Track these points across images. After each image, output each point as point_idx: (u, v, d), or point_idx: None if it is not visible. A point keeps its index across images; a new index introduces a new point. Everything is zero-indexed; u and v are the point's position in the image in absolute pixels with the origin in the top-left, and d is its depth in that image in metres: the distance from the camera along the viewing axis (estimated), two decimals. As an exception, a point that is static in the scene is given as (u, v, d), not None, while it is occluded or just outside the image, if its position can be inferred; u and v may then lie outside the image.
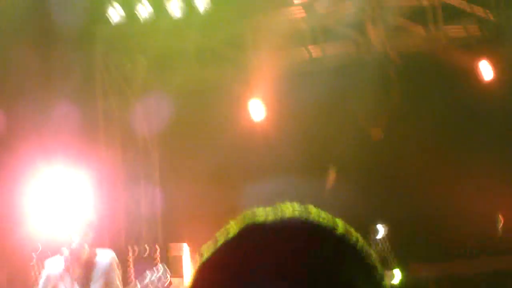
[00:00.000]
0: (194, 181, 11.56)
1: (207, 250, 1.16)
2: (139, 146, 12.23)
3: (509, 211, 11.34)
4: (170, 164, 12.12)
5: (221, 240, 1.15)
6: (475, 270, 11.59)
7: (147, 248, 9.81)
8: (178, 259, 10.32)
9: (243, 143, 11.66)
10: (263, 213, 1.16)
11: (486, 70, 11.60)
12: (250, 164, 11.66)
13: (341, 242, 1.14)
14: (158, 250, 9.43)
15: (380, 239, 10.53)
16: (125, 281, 7.38)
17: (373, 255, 1.16)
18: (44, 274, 7.37)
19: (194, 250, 10.70)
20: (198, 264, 1.17)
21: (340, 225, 1.16)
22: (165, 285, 7.27)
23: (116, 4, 11.58)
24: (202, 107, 11.97)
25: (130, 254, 9.70)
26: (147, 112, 12.09)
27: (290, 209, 1.17)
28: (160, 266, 7.36)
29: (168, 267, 7.40)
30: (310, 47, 11.84)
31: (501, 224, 11.51)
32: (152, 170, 12.15)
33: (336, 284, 1.09)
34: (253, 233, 1.14)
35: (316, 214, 1.17)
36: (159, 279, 7.23)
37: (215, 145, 11.63)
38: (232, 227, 1.16)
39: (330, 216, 1.17)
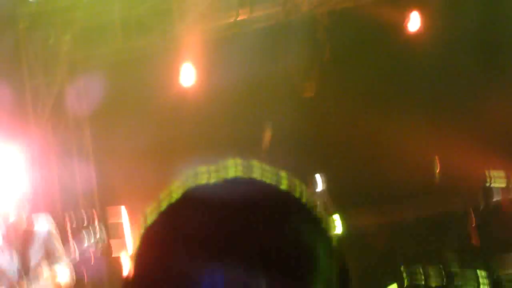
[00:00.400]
0: (128, 154, 11.46)
1: (151, 213, 1.14)
2: (69, 121, 12.05)
3: (443, 154, 11.56)
4: (102, 137, 11.98)
5: (164, 203, 1.13)
6: (414, 213, 11.81)
7: (84, 214, 9.73)
8: (117, 224, 10.30)
9: (175, 112, 11.58)
10: (206, 174, 1.15)
11: (414, 22, 11.74)
12: (185, 131, 11.60)
13: (286, 197, 1.14)
14: (96, 215, 9.33)
15: (320, 190, 10.65)
16: (65, 247, 7.27)
17: (318, 206, 1.16)
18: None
19: (132, 214, 10.66)
20: (142, 228, 1.15)
21: (284, 178, 1.16)
22: (104, 247, 7.21)
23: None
24: (131, 78, 11.83)
25: (68, 221, 9.58)
26: (76, 87, 11.91)
27: (233, 168, 1.17)
28: (98, 229, 7.29)
29: (107, 232, 7.33)
30: (238, 10, 11.78)
31: (438, 167, 11.71)
32: (84, 145, 11.99)
33: (283, 239, 1.09)
34: (197, 196, 1.13)
35: (260, 168, 1.16)
36: (97, 242, 7.15)
37: (146, 116, 11.54)
38: (175, 190, 1.14)
39: (273, 169, 1.17)
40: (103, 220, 9.90)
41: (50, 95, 11.83)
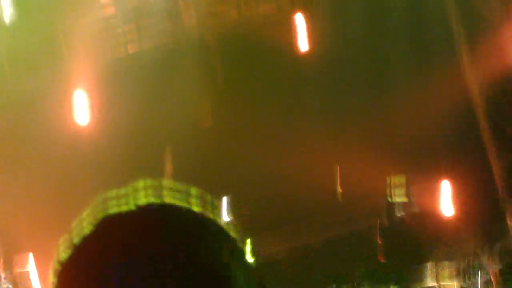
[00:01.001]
0: (29, 198, 11.18)
1: (64, 250, 1.11)
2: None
3: (346, 172, 11.67)
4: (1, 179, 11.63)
5: (76, 238, 1.10)
6: (322, 234, 11.83)
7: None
8: (25, 273, 9.94)
9: (73, 150, 11.38)
10: (116, 202, 1.12)
11: (302, 42, 11.96)
12: (84, 169, 11.39)
13: (200, 220, 1.13)
14: (2, 265, 9.01)
15: (227, 211, 10.62)
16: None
17: (232, 228, 1.15)
18: None
19: (40, 259, 10.34)
20: (56, 267, 1.11)
21: (196, 197, 1.15)
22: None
23: None
24: (24, 120, 11.57)
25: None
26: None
27: (143, 193, 1.14)
28: (7, 284, 7.06)
29: (16, 282, 7.09)
30: (126, 43, 11.72)
31: (339, 186, 11.76)
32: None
33: (200, 263, 1.07)
34: (110, 228, 1.10)
35: (170, 188, 1.15)
36: None
37: (43, 156, 11.29)
38: (87, 222, 1.11)
39: (184, 186, 1.16)
40: (9, 270, 9.59)
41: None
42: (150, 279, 1.04)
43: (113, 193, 1.15)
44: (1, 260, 9.54)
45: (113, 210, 1.12)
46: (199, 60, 11.76)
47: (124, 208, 1.11)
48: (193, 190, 1.16)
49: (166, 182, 1.16)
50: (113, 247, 1.07)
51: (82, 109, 11.48)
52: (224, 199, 10.68)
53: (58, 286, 1.10)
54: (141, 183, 1.15)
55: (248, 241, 10.25)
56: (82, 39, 11.35)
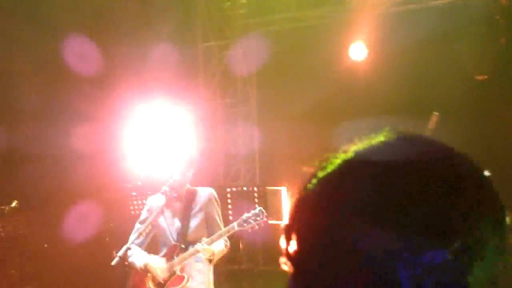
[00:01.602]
0: (291, 121, 11.48)
1: (306, 184, 1.09)
2: (237, 86, 12.22)
3: None
4: (268, 104, 12.06)
5: (320, 175, 1.07)
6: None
7: (245, 188, 9.82)
8: (277, 203, 10.22)
9: (342, 83, 11.47)
10: (362, 147, 1.08)
11: None
12: (349, 105, 11.47)
13: (463, 163, 1.03)
14: (256, 191, 9.40)
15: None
16: (224, 219, 7.40)
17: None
18: (145, 208, 7.48)
19: (292, 191, 10.62)
20: (296, 198, 1.10)
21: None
22: (262, 224, 7.26)
23: None
24: (301, 47, 11.82)
25: (229, 194, 9.73)
26: (246, 52, 12.04)
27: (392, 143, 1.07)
28: (257, 206, 7.35)
29: (266, 210, 7.36)
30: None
31: None
32: (250, 110, 12.13)
33: (455, 212, 0.98)
34: (354, 168, 1.05)
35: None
36: (256, 217, 7.21)
37: (313, 85, 11.48)
38: (332, 162, 1.08)
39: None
40: (263, 197, 9.92)
41: (220, 58, 12.03)
42: (397, 223, 0.97)
43: (359, 143, 1.10)
44: (257, 186, 9.87)
45: (364, 146, 1.07)
46: (485, 14, 11.28)
47: (373, 144, 1.07)
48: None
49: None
50: (357, 191, 1.01)
51: (358, 45, 11.52)
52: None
53: (294, 216, 1.08)
54: (389, 130, 1.09)
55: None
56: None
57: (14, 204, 10.87)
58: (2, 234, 10.86)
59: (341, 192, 1.03)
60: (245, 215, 7.21)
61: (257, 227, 7.16)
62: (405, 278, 0.95)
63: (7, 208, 10.86)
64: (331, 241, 1.01)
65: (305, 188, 1.08)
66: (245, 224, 7.15)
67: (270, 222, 9.70)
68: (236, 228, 7.11)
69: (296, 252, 1.05)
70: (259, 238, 10.63)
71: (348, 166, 1.06)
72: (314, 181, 1.07)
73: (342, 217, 1.01)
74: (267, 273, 10.76)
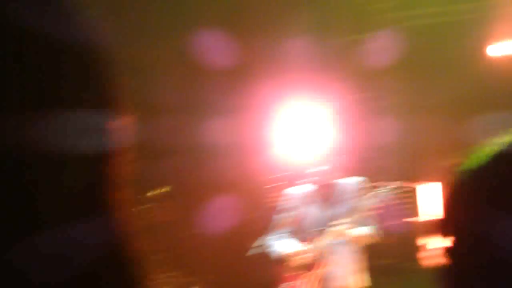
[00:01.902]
0: (429, 115, 11.30)
1: (457, 177, 1.09)
2: (374, 79, 12.16)
3: None
4: (406, 97, 11.93)
5: (471, 167, 1.08)
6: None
7: (387, 183, 9.75)
8: (414, 199, 9.98)
9: (480, 79, 11.21)
10: (508, 140, 1.07)
11: None
12: (487, 100, 11.20)
13: None
14: (397, 187, 9.30)
15: None
16: (366, 206, 7.32)
17: None
18: (288, 198, 7.52)
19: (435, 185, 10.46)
20: (450, 192, 1.10)
21: None
22: (401, 199, 7.17)
23: None
24: (439, 41, 11.62)
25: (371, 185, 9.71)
26: (384, 46, 11.95)
27: None
28: (395, 183, 7.24)
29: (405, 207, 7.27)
30: None
31: None
32: (389, 104, 12.03)
33: None
34: (506, 161, 1.05)
35: None
36: (394, 192, 7.12)
37: (451, 80, 11.27)
38: (480, 155, 1.07)
39: None
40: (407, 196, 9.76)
41: (358, 52, 11.99)
42: None
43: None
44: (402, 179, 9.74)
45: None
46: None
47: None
48: None
49: None
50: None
51: (501, 43, 11.21)
52: None
53: (450, 207, 1.08)
54: None
55: None
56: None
57: (165, 189, 11.12)
58: (152, 219, 11.14)
59: (494, 183, 1.02)
60: (382, 190, 7.16)
61: (396, 201, 7.07)
62: None
63: (157, 193, 11.12)
64: (488, 233, 1.00)
65: (457, 181, 1.09)
66: (383, 200, 7.07)
67: (407, 219, 9.64)
68: (375, 205, 7.04)
69: (452, 246, 1.06)
70: (402, 233, 10.51)
71: (499, 158, 1.05)
72: (465, 173, 1.07)
73: (497, 209, 1.00)
74: (410, 269, 10.63)
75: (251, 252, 7.11)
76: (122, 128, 0.90)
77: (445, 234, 1.06)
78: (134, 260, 0.87)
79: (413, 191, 9.66)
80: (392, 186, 7.24)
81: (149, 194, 11.25)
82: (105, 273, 0.83)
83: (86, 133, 0.84)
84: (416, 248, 6.58)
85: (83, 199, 0.83)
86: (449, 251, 1.05)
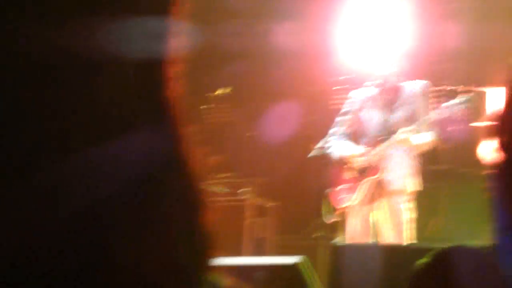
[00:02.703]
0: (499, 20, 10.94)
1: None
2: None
3: None
4: (476, 2, 11.54)
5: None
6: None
7: (450, 88, 9.54)
8: (482, 104, 9.81)
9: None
10: None
11: None
12: None
13: None
14: (461, 91, 9.06)
15: None
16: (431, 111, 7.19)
17: None
18: (348, 101, 7.49)
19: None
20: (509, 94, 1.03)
21: None
22: (465, 112, 7.05)
23: None
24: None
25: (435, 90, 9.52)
26: None
27: None
28: (468, 97, 7.09)
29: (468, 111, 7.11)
30: None
31: None
32: (459, 7, 11.65)
33: None
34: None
35: None
36: (459, 105, 6.97)
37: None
38: None
39: None
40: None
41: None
42: None
43: None
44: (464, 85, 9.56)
45: None
46: None
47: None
48: None
49: None
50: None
51: None
52: None
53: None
54: None
55: None
56: None
57: (224, 90, 11.14)
58: (211, 119, 11.21)
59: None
60: (448, 103, 7.04)
61: (459, 114, 6.95)
62: None
63: (217, 93, 11.15)
64: None
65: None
66: (448, 111, 6.95)
67: (474, 124, 9.47)
68: (437, 116, 6.94)
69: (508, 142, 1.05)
70: (461, 139, 10.40)
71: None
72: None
73: None
74: (466, 176, 10.55)
75: (311, 154, 7.14)
76: (179, 34, 0.90)
77: (502, 140, 1.11)
78: (191, 163, 0.90)
79: (478, 95, 9.48)
80: (460, 97, 7.06)
81: (210, 95, 11.26)
82: (167, 177, 0.87)
83: (148, 38, 0.85)
84: (474, 154, 6.47)
85: (143, 105, 0.85)
86: (503, 158, 1.09)
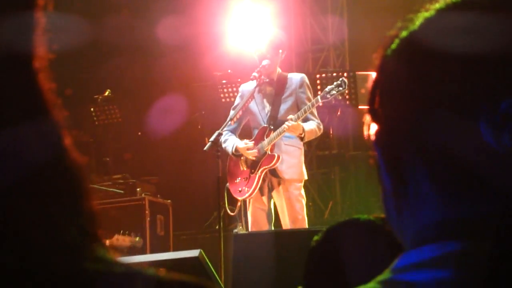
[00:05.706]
0: (379, 12, 11.25)
1: (388, 46, 1.04)
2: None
3: None
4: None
5: (403, 35, 1.03)
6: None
7: (335, 74, 9.77)
8: (367, 88, 10.10)
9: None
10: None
11: None
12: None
13: None
14: (346, 76, 9.30)
15: None
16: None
17: None
18: (238, 95, 7.59)
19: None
20: (380, 60, 1.05)
21: None
22: (344, 92, 7.32)
23: None
24: None
25: (318, 81, 9.72)
26: None
27: None
28: (342, 79, 7.31)
29: (356, 95, 7.34)
30: None
31: None
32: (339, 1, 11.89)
33: None
34: (440, 23, 1.00)
35: None
36: (338, 87, 7.19)
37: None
38: (413, 23, 1.03)
39: None
40: (354, 85, 9.85)
41: None
42: None
43: None
44: (346, 72, 9.76)
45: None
46: None
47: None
48: None
49: None
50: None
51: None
52: None
53: (379, 74, 1.05)
54: None
55: None
56: None
57: (107, 93, 11.11)
58: (96, 122, 11.15)
59: (425, 47, 0.98)
60: (328, 87, 7.25)
61: (340, 97, 7.13)
62: (484, 126, 0.91)
63: (100, 97, 11.12)
64: (411, 95, 0.98)
65: (387, 49, 1.04)
66: (328, 96, 7.16)
67: (360, 107, 9.73)
68: (320, 101, 7.12)
69: (379, 108, 1.04)
70: (349, 124, 10.66)
71: (432, 21, 1.00)
72: (396, 41, 1.03)
73: (424, 69, 0.98)
74: (357, 158, 10.83)
75: (206, 147, 7.18)
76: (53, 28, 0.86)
77: (373, 98, 1.07)
78: (76, 163, 0.88)
79: (353, 78, 9.78)
80: (336, 82, 7.30)
81: (97, 97, 11.18)
82: (51, 175, 0.84)
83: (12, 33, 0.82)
84: (361, 138, 6.66)
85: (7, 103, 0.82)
86: (377, 112, 1.06)
